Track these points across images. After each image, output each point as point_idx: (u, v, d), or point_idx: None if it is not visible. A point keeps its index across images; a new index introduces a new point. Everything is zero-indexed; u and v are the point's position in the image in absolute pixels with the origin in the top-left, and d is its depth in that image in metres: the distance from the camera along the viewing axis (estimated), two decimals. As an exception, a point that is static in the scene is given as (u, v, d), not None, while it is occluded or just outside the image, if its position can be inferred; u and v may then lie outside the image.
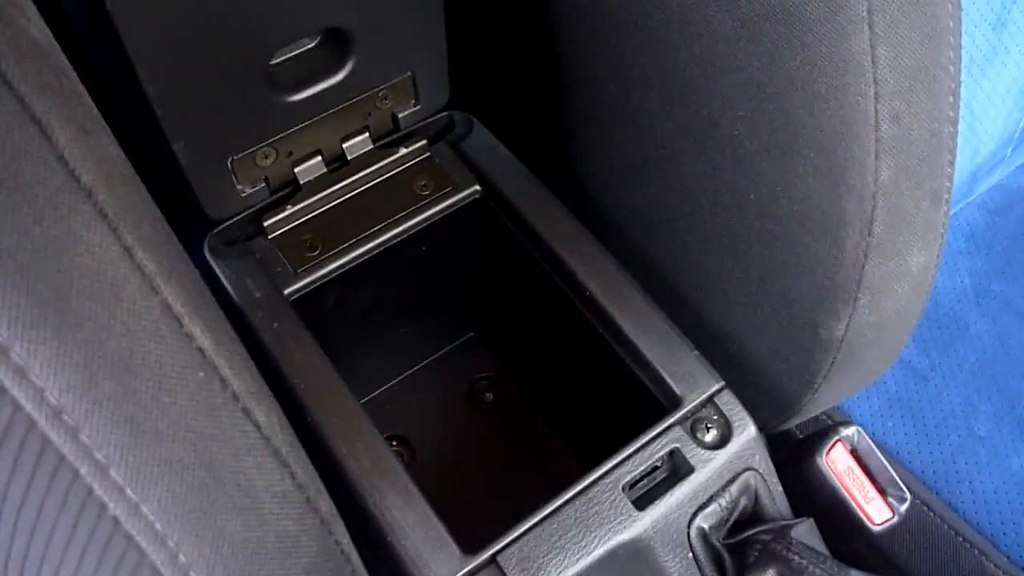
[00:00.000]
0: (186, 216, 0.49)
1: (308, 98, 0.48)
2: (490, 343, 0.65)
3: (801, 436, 0.60)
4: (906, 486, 0.52)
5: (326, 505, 0.31)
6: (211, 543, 0.26)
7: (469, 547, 0.43)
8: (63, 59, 0.29)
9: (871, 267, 0.41)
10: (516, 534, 0.43)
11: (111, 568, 0.26)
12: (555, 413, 0.62)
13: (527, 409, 0.64)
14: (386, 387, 0.64)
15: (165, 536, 0.25)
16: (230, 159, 0.48)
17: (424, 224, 0.53)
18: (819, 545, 0.47)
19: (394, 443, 0.63)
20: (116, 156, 0.27)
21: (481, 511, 0.49)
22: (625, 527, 0.44)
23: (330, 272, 0.51)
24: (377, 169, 0.53)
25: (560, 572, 0.43)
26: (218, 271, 0.50)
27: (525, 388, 0.64)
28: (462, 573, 0.42)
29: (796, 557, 0.44)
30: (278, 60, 0.46)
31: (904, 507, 0.50)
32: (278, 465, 0.28)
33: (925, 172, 0.39)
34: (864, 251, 0.40)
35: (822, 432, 0.52)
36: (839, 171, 0.39)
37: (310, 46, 0.47)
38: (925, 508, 0.61)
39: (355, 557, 0.33)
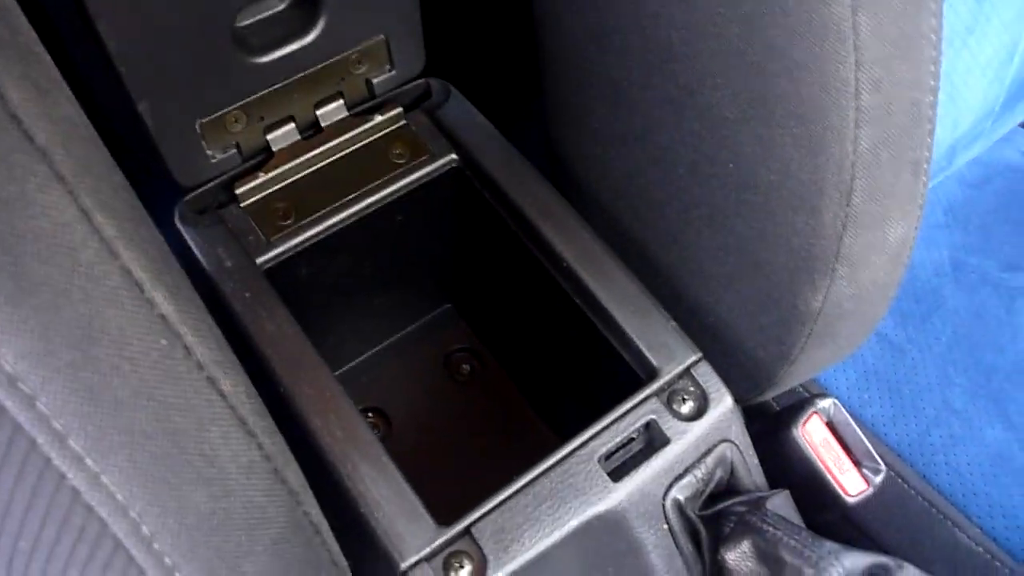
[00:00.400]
0: (157, 184, 0.48)
1: (278, 60, 0.47)
2: (467, 315, 0.65)
3: (778, 408, 0.60)
4: (881, 458, 0.52)
5: (295, 476, 0.31)
6: (175, 514, 0.26)
7: (443, 519, 0.43)
8: (20, 17, 0.28)
9: (849, 238, 0.41)
10: (491, 506, 0.43)
11: (72, 539, 0.25)
12: (532, 385, 0.62)
13: (504, 381, 0.63)
14: (362, 358, 0.64)
15: (127, 507, 0.25)
16: (198, 122, 0.47)
17: (400, 193, 0.52)
18: (794, 516, 0.47)
19: (370, 415, 0.62)
20: (75, 116, 0.26)
21: (457, 483, 0.49)
22: (600, 499, 0.44)
23: (303, 241, 0.50)
24: (352, 137, 0.52)
25: (535, 543, 0.43)
26: (189, 239, 0.49)
27: (502, 360, 0.63)
28: (435, 545, 0.42)
29: (771, 528, 0.44)
30: (247, 21, 0.45)
31: (879, 479, 0.50)
32: (244, 435, 0.28)
33: (905, 142, 0.39)
34: (843, 222, 0.40)
35: (798, 404, 0.51)
36: (818, 140, 0.39)
37: (280, 8, 0.46)
38: (899, 480, 0.62)
39: (325, 528, 0.33)
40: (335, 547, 0.34)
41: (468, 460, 0.60)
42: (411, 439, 0.61)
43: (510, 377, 0.63)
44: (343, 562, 0.35)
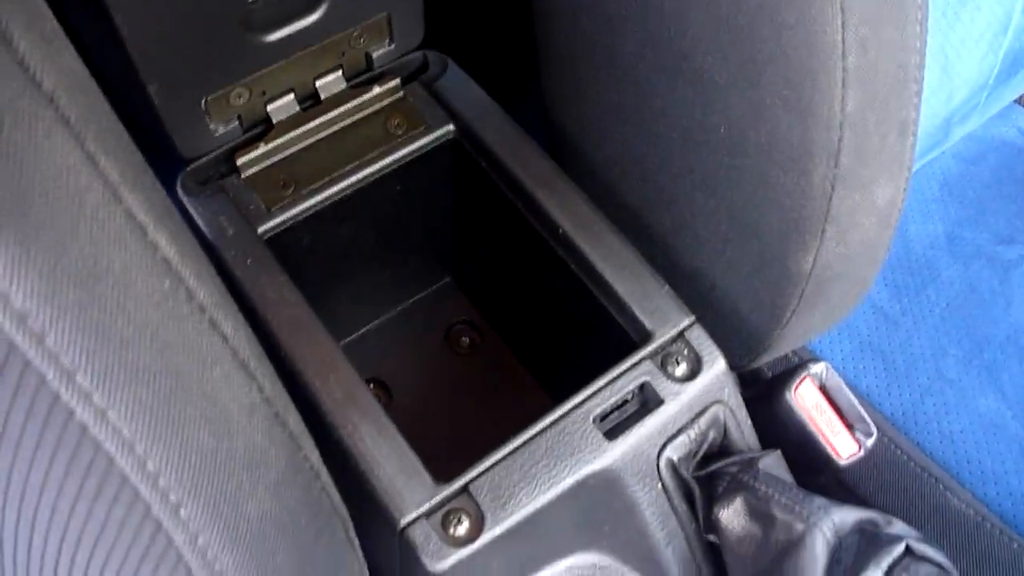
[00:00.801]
0: (157, 155, 0.49)
1: (283, 38, 0.48)
2: (466, 288, 0.66)
3: (771, 375, 0.61)
4: (875, 426, 0.53)
5: (295, 421, 0.32)
6: (179, 450, 0.27)
7: (442, 478, 0.44)
8: None
9: (838, 199, 0.42)
10: (488, 464, 0.44)
11: (80, 475, 0.26)
12: (532, 355, 0.63)
13: (504, 352, 0.64)
14: (362, 331, 0.64)
15: (133, 443, 0.26)
16: (204, 99, 0.48)
17: (398, 164, 0.53)
18: (786, 476, 0.48)
19: (371, 385, 0.63)
20: (79, 69, 0.27)
21: (457, 449, 0.50)
22: (595, 457, 0.45)
23: (304, 211, 0.51)
24: (350, 108, 0.53)
25: (531, 500, 0.43)
26: (191, 208, 0.50)
27: (502, 331, 0.64)
28: (434, 501, 0.43)
29: (762, 487, 0.45)
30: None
31: (870, 442, 0.51)
32: (246, 377, 0.29)
33: (892, 103, 0.40)
34: (831, 182, 0.41)
35: (791, 369, 0.52)
36: (806, 102, 0.39)
37: None
38: (893, 447, 0.62)
39: (325, 475, 0.34)
40: (336, 495, 0.35)
41: (468, 429, 0.61)
42: (412, 409, 0.62)
43: (510, 348, 0.64)
44: (344, 511, 0.35)
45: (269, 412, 0.30)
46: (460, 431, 0.61)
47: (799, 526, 0.43)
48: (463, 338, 0.65)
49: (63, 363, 0.24)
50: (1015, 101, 0.82)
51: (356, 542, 0.37)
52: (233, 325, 0.29)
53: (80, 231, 0.24)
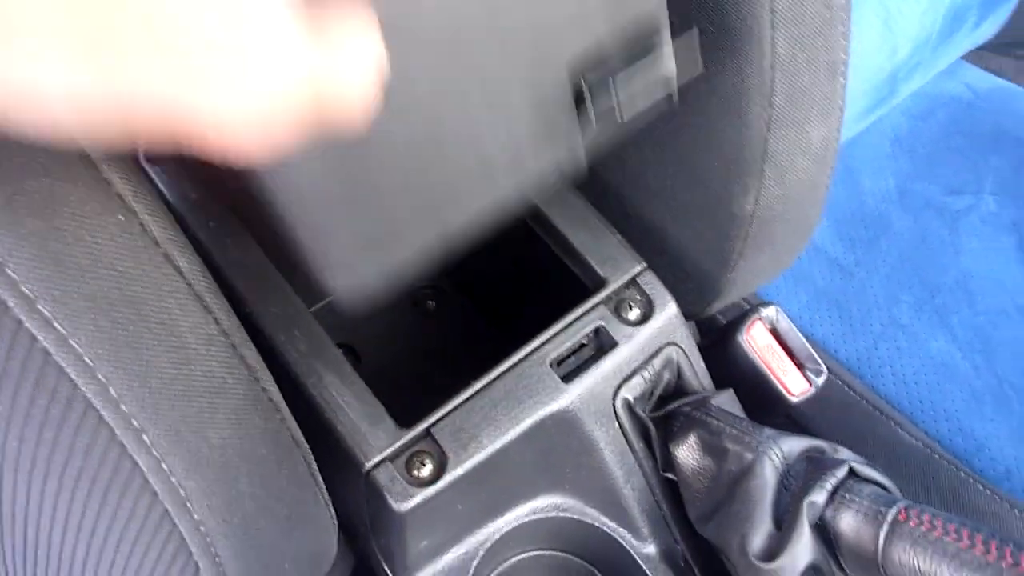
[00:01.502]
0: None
1: None
2: (431, 253, 0.67)
3: (725, 323, 0.63)
4: (831, 372, 0.55)
5: (252, 355, 0.33)
6: (140, 377, 0.28)
7: (405, 424, 0.45)
8: None
9: (774, 139, 0.43)
10: (449, 408, 0.46)
11: (45, 401, 0.27)
12: (495, 312, 0.65)
13: (470, 312, 0.66)
14: (329, 299, 0.66)
15: (95, 369, 0.27)
16: None
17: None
18: (738, 412, 0.50)
19: (340, 350, 0.64)
20: None
21: (424, 406, 0.51)
22: (553, 399, 0.46)
23: (265, 175, 0.52)
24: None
25: (492, 442, 0.45)
26: (154, 175, 0.51)
27: (467, 292, 0.66)
28: (398, 445, 0.44)
29: (715, 421, 0.47)
30: None
31: (821, 380, 0.53)
32: (201, 310, 0.30)
33: (820, 44, 0.42)
34: (766, 123, 0.43)
35: (743, 313, 0.54)
36: (740, 44, 0.41)
37: None
38: (847, 389, 0.65)
39: (284, 409, 0.35)
40: (296, 429, 0.36)
41: (434, 387, 0.62)
42: (379, 370, 0.63)
43: (475, 308, 0.66)
44: (305, 446, 0.37)
45: (226, 343, 0.31)
46: (427, 388, 0.62)
47: (748, 455, 0.45)
48: (429, 302, 0.67)
49: (24, 291, 0.26)
50: (961, 57, 0.85)
51: (319, 477, 0.38)
52: (188, 261, 0.30)
53: (35, 164, 0.26)
